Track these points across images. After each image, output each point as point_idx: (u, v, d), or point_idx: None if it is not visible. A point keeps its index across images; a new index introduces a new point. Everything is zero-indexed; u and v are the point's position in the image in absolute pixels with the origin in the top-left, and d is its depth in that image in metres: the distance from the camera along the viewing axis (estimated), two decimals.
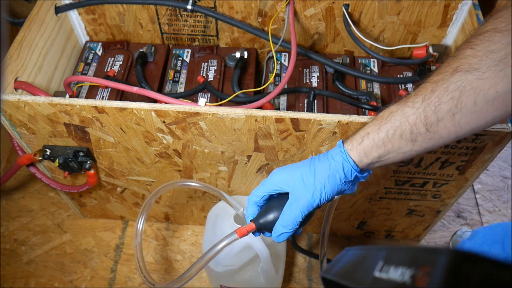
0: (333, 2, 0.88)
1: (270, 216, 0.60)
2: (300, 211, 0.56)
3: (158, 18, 0.95)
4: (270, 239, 0.79)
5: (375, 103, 0.85)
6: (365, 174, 0.58)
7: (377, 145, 0.53)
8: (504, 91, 0.46)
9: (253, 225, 0.61)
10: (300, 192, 0.56)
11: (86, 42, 0.99)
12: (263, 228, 0.61)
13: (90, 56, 0.96)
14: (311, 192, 0.55)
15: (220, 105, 0.79)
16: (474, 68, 0.47)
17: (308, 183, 0.56)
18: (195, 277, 1.01)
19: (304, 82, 0.92)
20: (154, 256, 1.03)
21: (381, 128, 0.53)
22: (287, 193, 0.58)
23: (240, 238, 0.61)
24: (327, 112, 0.80)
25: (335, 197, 0.59)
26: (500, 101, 0.46)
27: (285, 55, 0.97)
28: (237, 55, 0.94)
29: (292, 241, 0.82)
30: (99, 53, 0.96)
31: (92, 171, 0.82)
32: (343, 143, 0.56)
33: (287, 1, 0.87)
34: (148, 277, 0.69)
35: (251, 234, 0.62)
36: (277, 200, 0.60)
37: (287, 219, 0.57)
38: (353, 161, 0.55)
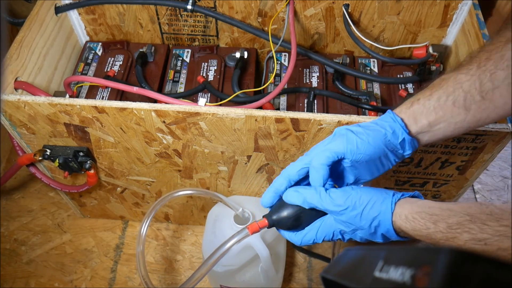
0: (333, 2, 0.88)
1: (284, 212, 0.57)
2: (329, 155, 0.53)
3: (158, 18, 0.95)
4: (270, 239, 0.79)
5: (375, 103, 0.85)
6: (414, 143, 0.54)
7: (427, 110, 0.51)
8: None
9: (265, 221, 0.59)
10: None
11: (86, 42, 0.99)
12: (276, 224, 0.59)
13: (90, 56, 0.96)
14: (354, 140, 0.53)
15: (220, 105, 0.79)
16: None
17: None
18: None
19: (304, 82, 0.92)
20: (154, 256, 1.03)
21: (433, 94, 0.51)
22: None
23: (251, 234, 0.59)
24: (327, 112, 0.80)
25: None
26: None
27: (285, 55, 0.97)
28: (237, 55, 0.94)
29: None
30: (99, 53, 0.96)
31: (92, 171, 0.82)
32: (392, 109, 0.54)
33: (287, 1, 0.87)
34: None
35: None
36: None
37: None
38: (402, 120, 0.52)
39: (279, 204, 0.59)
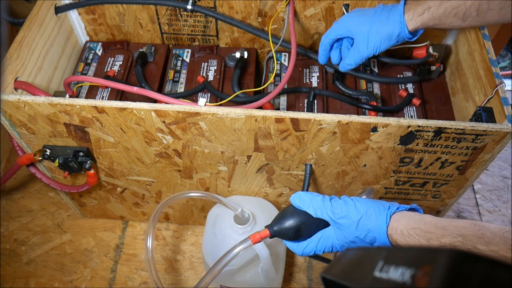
0: (333, 2, 0.88)
1: (285, 223, 0.59)
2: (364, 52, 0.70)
3: (158, 18, 0.95)
4: (270, 240, 0.79)
5: (375, 103, 0.85)
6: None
7: (434, 18, 0.64)
8: None
9: (267, 232, 0.61)
10: (360, 44, 0.70)
11: (86, 42, 0.99)
12: (277, 235, 0.61)
13: (90, 56, 0.96)
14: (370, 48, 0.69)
15: (220, 105, 0.79)
16: None
17: (367, 44, 0.69)
18: (195, 278, 1.01)
19: (304, 82, 0.92)
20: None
21: (442, 5, 0.63)
22: (304, 211, 0.59)
23: (253, 244, 0.61)
24: (327, 112, 0.80)
25: None
26: None
27: (285, 55, 0.97)
28: (237, 55, 0.94)
29: None
30: (99, 53, 0.96)
31: (92, 171, 0.82)
32: (404, 11, 0.66)
33: (287, 1, 0.87)
34: None
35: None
36: (292, 208, 0.60)
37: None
38: (409, 32, 0.66)
39: (281, 215, 0.61)
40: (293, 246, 0.62)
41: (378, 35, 0.68)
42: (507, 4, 0.59)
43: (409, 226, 0.51)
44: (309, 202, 0.59)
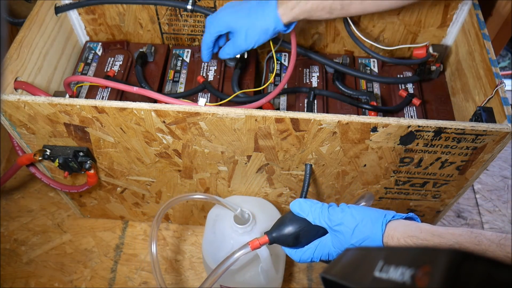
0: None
1: (284, 230, 0.60)
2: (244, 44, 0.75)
3: (158, 18, 0.95)
4: None
5: (375, 103, 0.85)
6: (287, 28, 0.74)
7: (303, 12, 0.70)
8: None
9: (266, 238, 0.62)
10: (239, 39, 0.74)
11: (86, 42, 0.99)
12: (276, 241, 0.62)
13: (90, 56, 0.96)
14: (248, 42, 0.74)
15: (220, 105, 0.79)
16: None
17: (246, 38, 0.74)
18: (195, 278, 1.01)
19: (304, 82, 0.92)
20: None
21: (308, 2, 0.69)
22: (304, 219, 0.60)
23: (252, 250, 0.62)
24: (327, 112, 0.81)
25: None
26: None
27: (285, 55, 0.97)
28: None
29: None
30: (99, 53, 0.96)
31: (92, 171, 0.82)
32: (277, 4, 0.70)
33: None
34: None
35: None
36: (291, 215, 0.61)
37: None
38: (284, 25, 0.72)
39: (280, 222, 0.62)
40: (291, 252, 0.63)
41: (256, 31, 0.72)
42: None
43: (406, 234, 0.51)
44: (308, 210, 0.60)
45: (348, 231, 0.55)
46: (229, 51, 0.77)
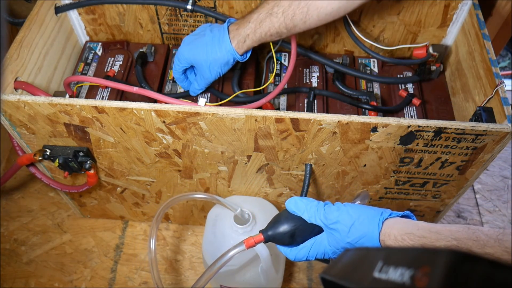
0: None
1: (280, 228, 0.60)
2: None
3: (158, 18, 0.95)
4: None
5: (375, 103, 0.85)
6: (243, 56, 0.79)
7: (254, 42, 0.75)
8: (337, 7, 0.69)
9: (261, 236, 0.61)
10: (204, 73, 0.80)
11: (86, 42, 0.99)
12: (271, 240, 0.61)
13: (90, 56, 0.96)
14: (213, 74, 0.80)
15: (220, 105, 0.79)
16: None
17: (210, 72, 0.79)
18: (195, 278, 1.01)
19: (304, 82, 0.92)
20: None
21: (256, 32, 0.73)
22: (299, 217, 0.60)
23: (247, 249, 0.61)
24: (327, 112, 0.80)
25: None
26: (334, 14, 0.70)
27: (285, 55, 0.97)
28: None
29: None
30: (99, 53, 0.96)
31: (92, 171, 0.82)
32: (230, 40, 0.75)
33: None
34: None
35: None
36: (286, 213, 0.61)
37: None
38: (240, 55, 0.77)
39: (275, 220, 0.61)
40: (286, 251, 0.63)
41: (217, 64, 0.78)
42: (308, 18, 0.70)
43: (403, 232, 0.51)
44: (304, 208, 0.60)
45: (344, 229, 0.55)
46: (199, 86, 0.84)
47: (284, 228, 0.60)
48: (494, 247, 0.44)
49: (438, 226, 0.50)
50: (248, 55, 0.79)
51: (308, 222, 0.60)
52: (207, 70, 0.79)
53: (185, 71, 0.85)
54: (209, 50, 0.77)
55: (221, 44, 0.76)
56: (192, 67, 0.84)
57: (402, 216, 0.56)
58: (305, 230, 0.60)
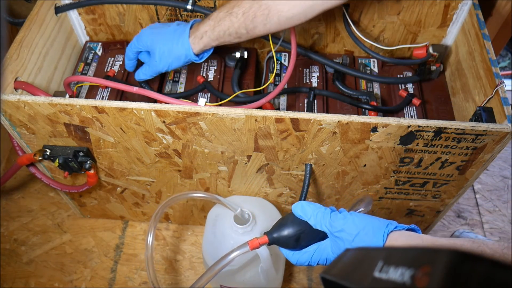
0: None
1: (285, 232, 0.60)
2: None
3: (158, 18, 0.95)
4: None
5: (375, 103, 0.85)
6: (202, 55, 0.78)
7: (212, 40, 0.74)
8: (298, 12, 0.68)
9: (266, 238, 0.61)
10: (154, 61, 0.79)
11: (86, 42, 0.99)
12: (276, 242, 0.61)
13: (90, 56, 0.96)
14: (161, 65, 0.79)
15: (220, 105, 0.79)
16: None
17: (160, 61, 0.78)
18: (195, 278, 1.01)
19: (304, 82, 0.92)
20: (153, 255, 1.03)
21: (215, 29, 0.72)
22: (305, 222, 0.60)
23: (251, 250, 0.61)
24: (327, 112, 0.80)
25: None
26: (296, 19, 0.69)
27: (285, 55, 0.97)
28: (237, 55, 0.94)
29: None
30: (99, 53, 0.96)
31: (92, 171, 0.82)
32: (189, 34, 0.75)
33: None
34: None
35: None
36: (292, 216, 0.61)
37: None
38: (194, 54, 0.76)
39: (281, 223, 0.61)
40: (288, 254, 0.62)
41: (170, 56, 0.77)
42: (268, 21, 0.69)
43: (407, 245, 0.51)
44: (311, 213, 0.59)
45: (348, 238, 0.55)
46: (145, 72, 0.83)
47: (289, 231, 0.60)
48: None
49: (442, 239, 0.50)
50: (205, 56, 0.78)
51: (313, 227, 0.59)
52: (159, 59, 0.78)
53: (138, 53, 0.85)
54: (167, 40, 0.77)
55: (179, 37, 0.76)
56: (147, 52, 0.83)
57: (408, 230, 0.56)
58: (309, 235, 0.60)
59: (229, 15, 0.71)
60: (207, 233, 0.84)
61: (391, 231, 0.54)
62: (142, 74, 0.83)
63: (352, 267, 0.38)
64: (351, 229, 0.55)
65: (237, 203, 0.80)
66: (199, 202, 0.96)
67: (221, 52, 0.97)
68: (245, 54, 0.94)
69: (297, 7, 0.67)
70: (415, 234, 0.54)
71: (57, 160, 0.78)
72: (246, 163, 0.79)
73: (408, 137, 0.69)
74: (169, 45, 0.76)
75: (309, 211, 0.59)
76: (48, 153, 0.78)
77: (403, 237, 0.53)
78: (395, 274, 0.29)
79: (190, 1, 0.87)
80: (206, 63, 0.93)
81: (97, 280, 1.00)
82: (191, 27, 0.76)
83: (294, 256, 0.62)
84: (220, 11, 0.72)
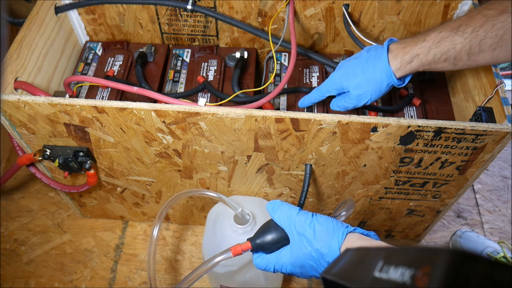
0: (333, 2, 0.88)
1: (268, 237, 0.59)
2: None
3: (158, 18, 0.95)
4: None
5: (375, 103, 0.85)
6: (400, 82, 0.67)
7: (423, 65, 0.62)
8: None
9: (249, 244, 0.61)
10: (354, 95, 0.70)
11: (86, 42, 0.99)
12: (259, 248, 0.61)
13: (90, 56, 0.96)
14: (361, 99, 0.69)
15: (220, 105, 0.79)
16: None
17: (360, 97, 0.69)
18: None
19: (304, 82, 0.92)
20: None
21: (430, 52, 0.60)
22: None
23: (234, 256, 0.61)
24: (327, 112, 0.80)
25: None
26: None
27: (285, 55, 0.97)
28: (237, 55, 0.94)
29: None
30: (99, 53, 0.96)
31: (92, 171, 0.82)
32: (388, 60, 0.64)
33: (287, 1, 0.87)
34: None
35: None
36: (275, 222, 0.61)
37: None
38: (396, 79, 0.65)
39: (263, 228, 0.61)
40: (254, 256, 0.62)
41: (369, 91, 0.67)
42: (500, 44, 0.56)
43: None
44: (277, 210, 0.60)
45: (310, 235, 0.56)
46: (345, 105, 0.72)
47: (272, 237, 0.59)
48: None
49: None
50: (407, 80, 0.68)
51: (278, 224, 0.60)
52: (357, 97, 0.68)
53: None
54: (359, 70, 0.67)
55: (376, 63, 0.65)
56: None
57: (367, 235, 0.57)
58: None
59: (453, 34, 0.59)
60: (207, 233, 0.84)
61: (350, 232, 0.56)
62: (338, 108, 0.75)
63: (352, 267, 0.38)
64: (315, 226, 0.56)
65: (237, 203, 0.80)
66: (199, 202, 0.96)
67: (221, 52, 0.97)
68: (245, 54, 0.94)
69: None
70: (372, 240, 0.55)
71: (57, 160, 0.78)
72: (246, 163, 0.79)
73: (408, 137, 0.69)
74: (363, 76, 0.67)
75: (275, 208, 0.60)
76: (48, 153, 0.78)
77: (359, 241, 0.54)
78: (395, 274, 0.29)
79: (190, 1, 0.87)
80: (206, 63, 0.94)
81: (97, 280, 1.00)
82: (388, 50, 0.65)
83: (256, 260, 0.62)
84: (441, 31, 0.61)
